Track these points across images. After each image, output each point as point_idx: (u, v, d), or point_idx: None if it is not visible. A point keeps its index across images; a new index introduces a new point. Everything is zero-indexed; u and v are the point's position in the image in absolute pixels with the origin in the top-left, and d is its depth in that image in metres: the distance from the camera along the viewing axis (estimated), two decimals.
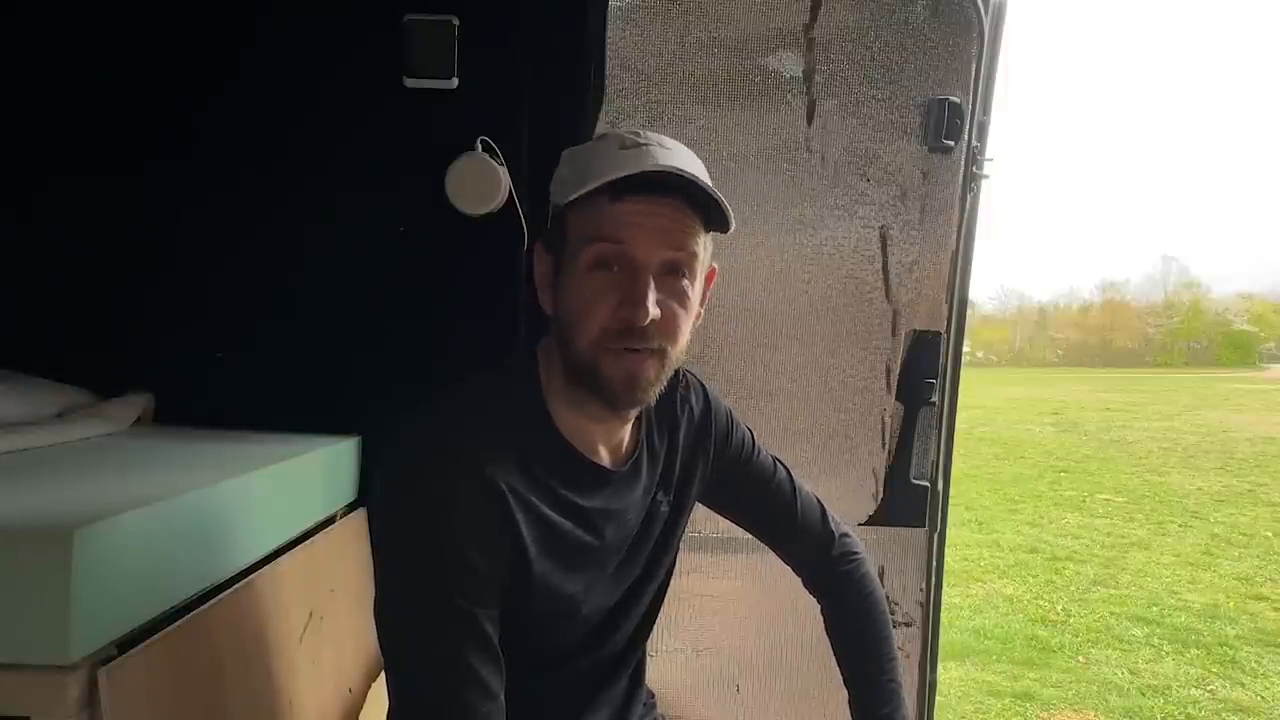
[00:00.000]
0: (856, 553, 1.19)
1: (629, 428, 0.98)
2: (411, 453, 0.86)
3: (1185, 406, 17.23)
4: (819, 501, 1.19)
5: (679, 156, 0.88)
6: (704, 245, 0.90)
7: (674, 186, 0.85)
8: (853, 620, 1.16)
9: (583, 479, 0.93)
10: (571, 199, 0.86)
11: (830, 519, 1.18)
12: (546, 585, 0.90)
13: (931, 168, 1.60)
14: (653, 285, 0.85)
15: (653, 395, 0.90)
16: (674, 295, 0.87)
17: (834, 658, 1.17)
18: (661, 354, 0.87)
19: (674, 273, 0.87)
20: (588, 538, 0.93)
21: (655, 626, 1.12)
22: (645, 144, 0.87)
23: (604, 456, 0.96)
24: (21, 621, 0.75)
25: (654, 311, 0.84)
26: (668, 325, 0.87)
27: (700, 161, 0.92)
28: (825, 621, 1.19)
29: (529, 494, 0.87)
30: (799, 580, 1.21)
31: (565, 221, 0.89)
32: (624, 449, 0.99)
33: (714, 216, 0.89)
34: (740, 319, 1.62)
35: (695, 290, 0.90)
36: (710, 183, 0.85)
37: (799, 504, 1.16)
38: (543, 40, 1.52)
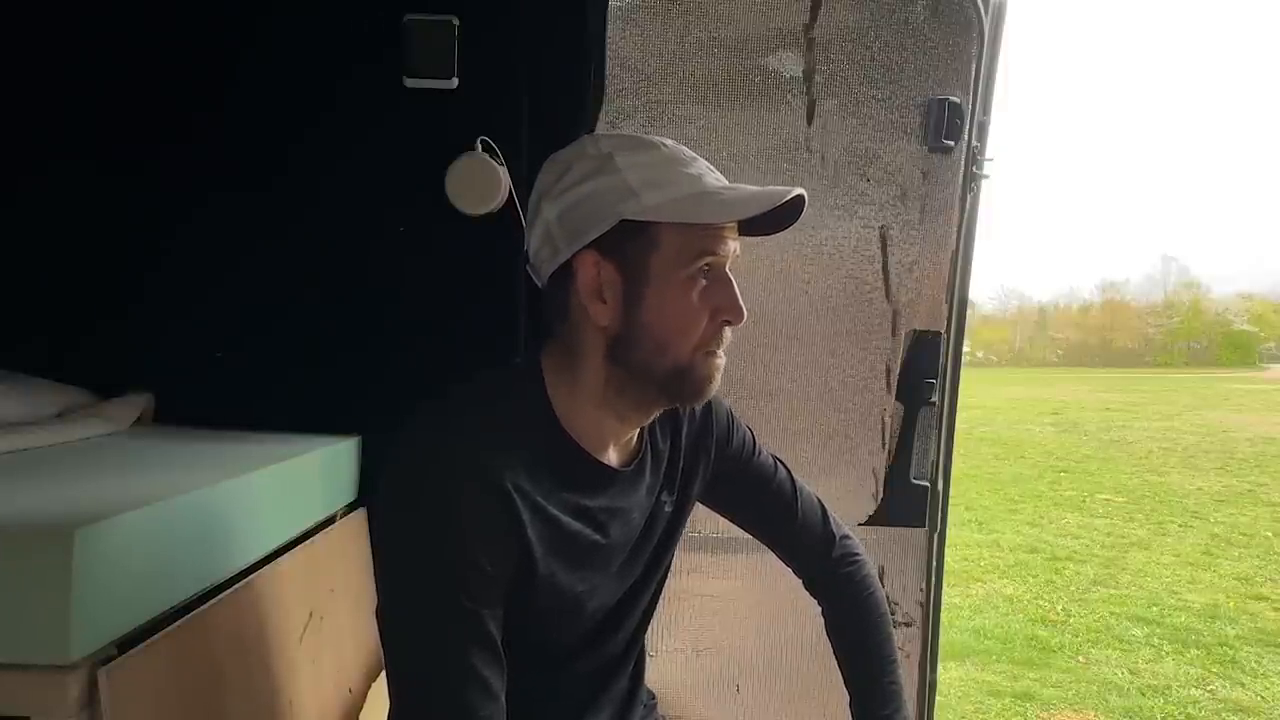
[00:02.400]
0: (857, 554, 1.19)
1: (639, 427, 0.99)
2: (415, 453, 0.86)
3: (1185, 406, 17.23)
4: (820, 502, 1.19)
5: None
6: None
7: None
8: (854, 622, 1.16)
9: (588, 478, 0.93)
10: (705, 221, 0.88)
11: (831, 520, 1.18)
12: (552, 584, 0.90)
13: (931, 168, 1.60)
14: None
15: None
16: None
17: (834, 658, 1.17)
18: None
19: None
20: (595, 536, 0.93)
21: (654, 626, 1.12)
22: (695, 157, 0.91)
23: (612, 456, 0.96)
24: (21, 621, 0.75)
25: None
26: None
27: None
28: (826, 623, 1.19)
29: (534, 493, 0.87)
30: (799, 580, 1.21)
31: (647, 234, 0.87)
32: (630, 448, 0.99)
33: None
34: None
35: None
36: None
37: (800, 504, 1.16)
38: (543, 40, 1.52)
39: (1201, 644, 4.23)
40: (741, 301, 0.90)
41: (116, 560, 0.82)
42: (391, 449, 0.88)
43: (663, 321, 0.88)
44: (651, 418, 0.98)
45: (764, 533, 1.19)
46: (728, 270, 0.91)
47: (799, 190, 0.89)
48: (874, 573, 1.20)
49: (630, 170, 0.87)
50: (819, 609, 1.20)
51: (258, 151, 1.52)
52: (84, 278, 1.52)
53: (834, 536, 1.18)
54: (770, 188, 0.88)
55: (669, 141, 0.92)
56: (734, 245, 0.92)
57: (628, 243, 0.87)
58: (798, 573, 1.20)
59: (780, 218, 0.92)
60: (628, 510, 0.98)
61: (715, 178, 0.90)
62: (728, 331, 0.92)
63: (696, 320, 0.89)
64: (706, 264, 0.89)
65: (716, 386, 0.93)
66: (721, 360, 0.92)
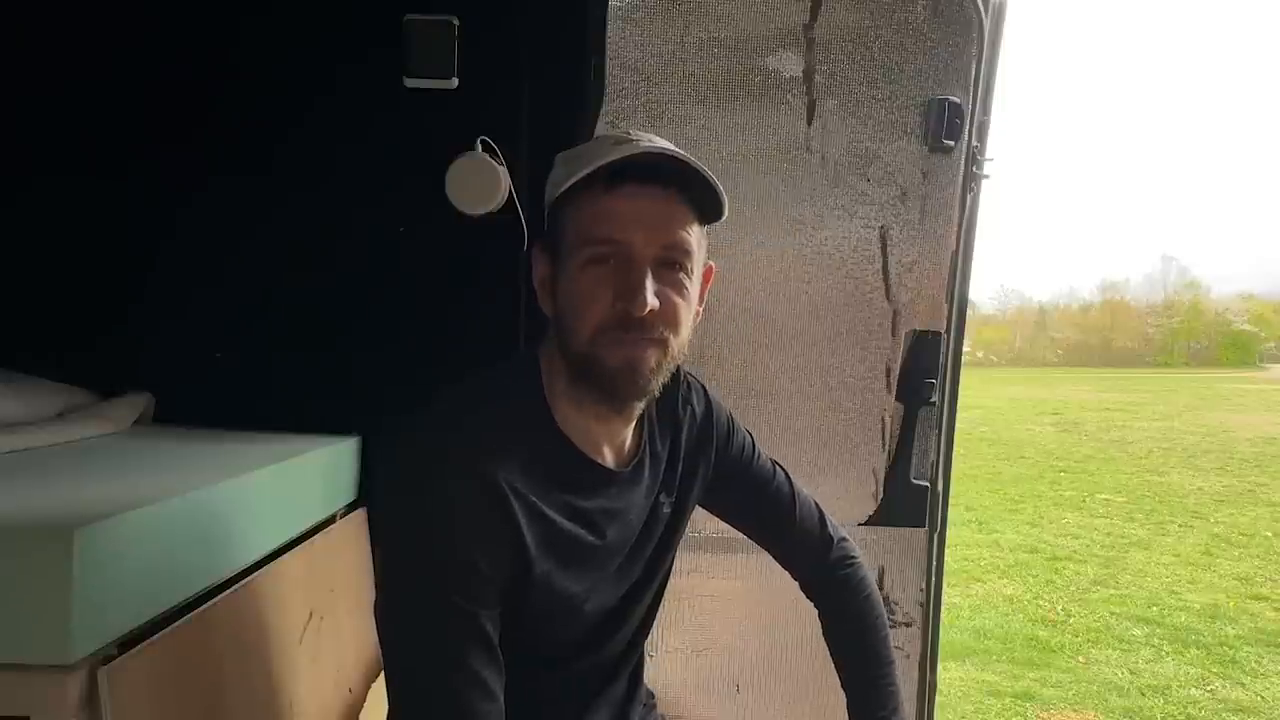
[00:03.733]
0: (854, 557, 1.19)
1: (631, 428, 0.98)
2: (413, 453, 0.87)
3: (1185, 406, 17.23)
4: (817, 506, 1.19)
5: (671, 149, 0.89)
6: (698, 239, 0.91)
7: (666, 173, 0.86)
8: (850, 623, 1.16)
9: (585, 479, 0.93)
10: (564, 190, 0.87)
11: (828, 523, 1.18)
12: (548, 585, 0.90)
13: (931, 168, 1.60)
14: (650, 276, 0.86)
15: (654, 386, 0.90)
16: (672, 286, 0.88)
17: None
18: (663, 343, 0.88)
19: (670, 265, 0.88)
20: (590, 538, 0.93)
21: (655, 627, 1.12)
22: (637, 139, 0.88)
23: (608, 457, 0.96)
24: (21, 621, 0.75)
25: (652, 302, 0.85)
26: (668, 315, 0.87)
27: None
28: (823, 625, 1.19)
29: (531, 494, 0.87)
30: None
31: (560, 220, 0.89)
32: (627, 450, 0.99)
33: (707, 208, 0.90)
34: (740, 319, 1.62)
35: (693, 284, 0.91)
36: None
37: (798, 508, 1.16)
38: (543, 40, 1.52)
39: (1201, 644, 4.23)
40: (649, 292, 0.84)
41: (116, 560, 0.82)
42: (390, 449, 0.88)
43: (565, 304, 0.89)
44: (629, 418, 0.97)
45: (762, 536, 1.19)
46: (640, 259, 0.85)
47: (665, 148, 0.84)
48: (870, 575, 1.19)
49: (561, 165, 0.90)
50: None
51: (258, 151, 1.52)
52: (84, 278, 1.52)
53: (831, 539, 1.18)
54: (627, 149, 0.84)
55: (634, 131, 0.92)
56: (655, 236, 0.86)
57: (552, 232, 0.91)
58: (795, 575, 1.20)
59: (707, 192, 0.88)
60: (625, 512, 0.98)
61: (631, 149, 0.85)
62: (661, 329, 0.86)
63: (588, 304, 0.86)
64: (603, 247, 0.85)
65: (643, 380, 0.87)
66: (641, 350, 0.86)
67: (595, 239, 0.86)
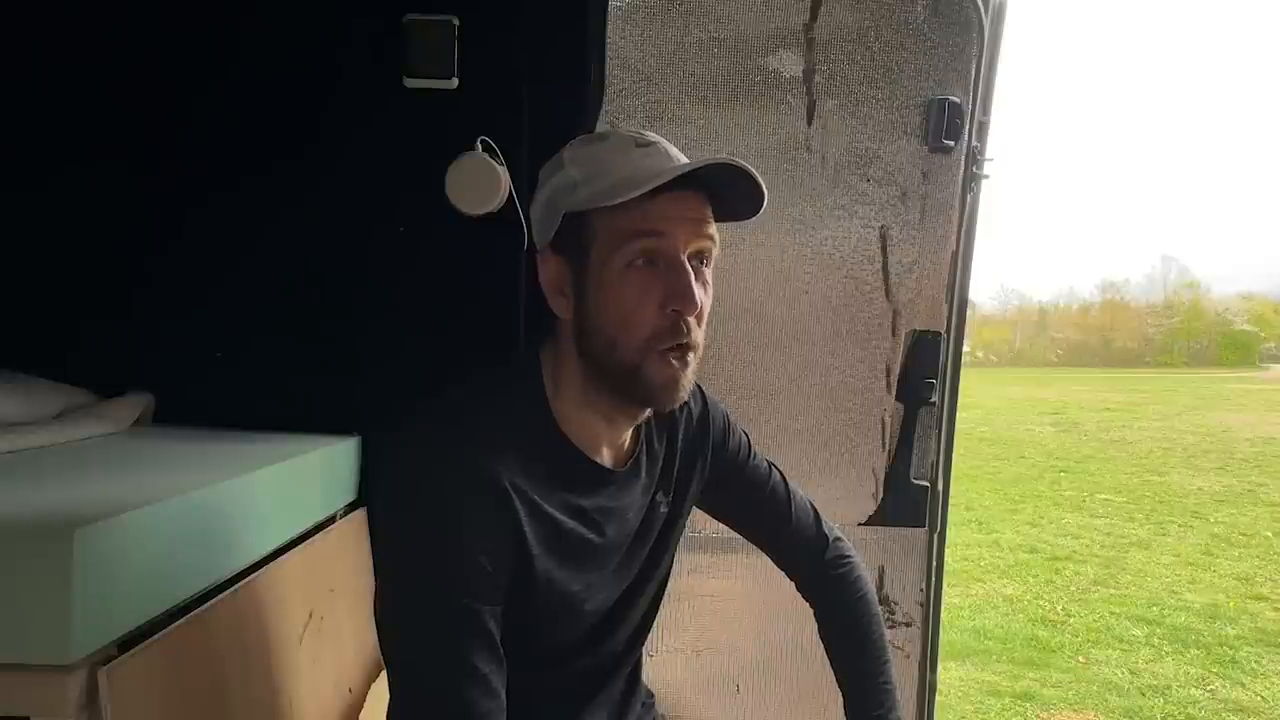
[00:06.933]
0: (849, 556, 1.19)
1: (632, 428, 0.99)
2: (414, 452, 0.87)
3: (1185, 406, 17.23)
4: (812, 506, 1.19)
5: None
6: None
7: (701, 175, 0.85)
8: (846, 623, 1.17)
9: (584, 478, 0.93)
10: (615, 202, 0.83)
11: (824, 523, 1.19)
12: (549, 583, 0.90)
13: (931, 168, 1.60)
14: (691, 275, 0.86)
15: (687, 393, 0.90)
16: (703, 284, 0.89)
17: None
18: (696, 348, 0.89)
19: (702, 262, 0.89)
20: (590, 536, 0.93)
21: (655, 627, 1.12)
22: (656, 141, 0.89)
23: (606, 456, 0.96)
24: (21, 621, 0.75)
25: (700, 301, 0.86)
26: (701, 315, 0.88)
27: None
28: (819, 625, 1.19)
29: (532, 492, 0.87)
30: None
31: (587, 224, 0.87)
32: (625, 449, 0.99)
33: (722, 208, 0.90)
34: (740, 319, 1.62)
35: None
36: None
37: (793, 508, 1.16)
38: (543, 40, 1.52)
39: (1201, 644, 4.23)
40: (696, 291, 0.85)
41: (116, 560, 0.82)
42: (391, 449, 0.88)
43: (605, 313, 0.87)
44: (637, 420, 0.97)
45: (758, 535, 1.19)
46: (683, 258, 0.85)
47: (716, 160, 0.84)
48: (866, 574, 1.19)
49: (573, 165, 0.89)
50: None
51: (258, 151, 1.51)
52: (85, 277, 1.52)
53: (827, 539, 1.18)
54: (699, 160, 0.84)
55: (629, 131, 0.92)
56: (694, 235, 0.86)
57: (572, 236, 0.89)
58: (790, 575, 1.20)
59: (743, 196, 0.88)
60: (623, 510, 0.98)
61: (660, 161, 0.86)
62: (696, 331, 0.87)
63: (638, 311, 0.85)
64: (647, 251, 0.85)
65: (680, 394, 0.88)
66: (683, 367, 0.87)
67: (642, 242, 0.85)
